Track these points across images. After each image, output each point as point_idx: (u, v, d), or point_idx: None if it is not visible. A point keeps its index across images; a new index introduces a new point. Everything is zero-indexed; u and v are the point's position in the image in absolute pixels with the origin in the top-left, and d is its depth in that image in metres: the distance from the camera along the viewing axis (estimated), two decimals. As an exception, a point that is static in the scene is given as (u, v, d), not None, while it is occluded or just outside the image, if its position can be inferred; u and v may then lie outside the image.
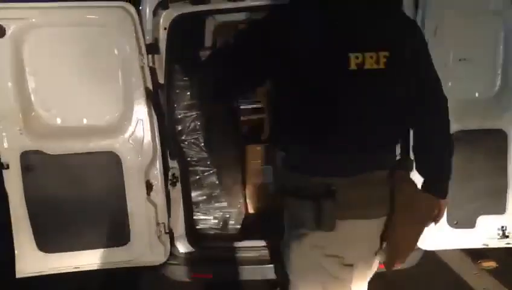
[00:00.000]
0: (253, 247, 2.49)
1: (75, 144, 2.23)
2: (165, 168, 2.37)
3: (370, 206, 1.40)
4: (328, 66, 1.32)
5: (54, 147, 2.20)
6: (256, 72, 1.38)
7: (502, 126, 2.30)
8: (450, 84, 2.08)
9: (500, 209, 2.39)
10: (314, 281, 1.49)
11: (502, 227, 2.41)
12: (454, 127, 1.88)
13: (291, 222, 1.49)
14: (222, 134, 2.78)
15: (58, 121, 2.22)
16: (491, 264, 3.07)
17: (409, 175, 1.58)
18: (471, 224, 2.41)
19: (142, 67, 2.22)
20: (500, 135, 2.31)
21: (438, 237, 2.39)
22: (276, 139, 1.58)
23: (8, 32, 2.08)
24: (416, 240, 1.52)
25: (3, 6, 2.07)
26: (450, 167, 1.52)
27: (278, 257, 2.37)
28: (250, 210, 3.00)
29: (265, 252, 2.48)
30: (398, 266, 1.52)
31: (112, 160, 2.24)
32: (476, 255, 3.09)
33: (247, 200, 3.00)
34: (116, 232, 2.32)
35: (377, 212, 1.43)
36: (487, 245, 2.47)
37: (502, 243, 2.45)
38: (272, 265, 2.40)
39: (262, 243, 2.52)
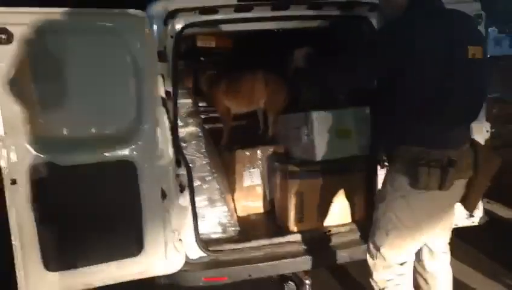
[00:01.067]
0: (261, 246, 2.60)
1: (88, 153, 2.16)
2: (175, 175, 2.39)
3: (467, 169, 1.91)
4: (451, 56, 1.77)
5: (65, 158, 2.11)
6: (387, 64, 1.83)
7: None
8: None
9: (467, 193, 2.81)
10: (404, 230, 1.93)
11: (468, 208, 2.83)
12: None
13: (400, 183, 1.89)
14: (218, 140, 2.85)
15: (70, 131, 2.13)
16: None
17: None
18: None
19: (155, 75, 2.24)
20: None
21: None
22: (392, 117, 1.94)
23: (16, 38, 1.96)
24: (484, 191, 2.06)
25: (12, 11, 1.96)
26: None
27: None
28: (240, 213, 3.09)
29: (271, 250, 2.60)
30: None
31: (128, 169, 2.21)
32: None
33: (236, 204, 3.10)
34: (130, 243, 2.28)
35: (469, 173, 1.93)
36: (457, 225, 2.87)
37: (468, 222, 2.87)
38: (282, 260, 2.53)
39: (267, 241, 2.64)
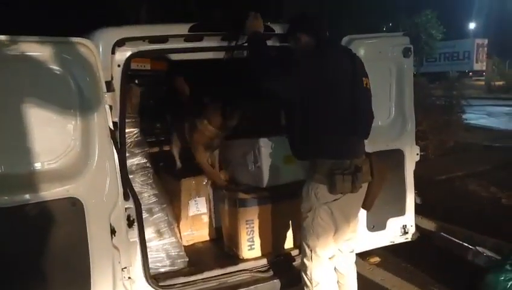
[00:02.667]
0: (214, 276, 2.56)
1: (28, 192, 1.97)
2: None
3: (367, 175, 2.32)
4: (353, 84, 2.26)
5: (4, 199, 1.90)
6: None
7: (401, 146, 2.95)
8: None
9: (402, 212, 3.04)
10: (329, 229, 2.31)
11: (403, 226, 3.06)
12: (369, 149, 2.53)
13: (322, 193, 2.25)
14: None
15: (7, 167, 1.93)
16: (376, 259, 3.73)
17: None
18: (383, 226, 2.99)
19: (102, 105, 2.13)
20: (400, 152, 2.96)
21: (362, 240, 2.90)
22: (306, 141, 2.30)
23: None
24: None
25: None
26: None
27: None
28: (185, 242, 3.02)
29: (225, 280, 2.57)
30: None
31: (73, 206, 2.05)
32: (361, 254, 3.70)
33: (182, 233, 3.02)
34: (76, 286, 2.11)
35: (368, 177, 2.34)
36: (393, 242, 3.08)
37: (403, 239, 3.09)
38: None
39: (220, 271, 2.60)
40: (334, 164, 2.21)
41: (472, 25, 30.99)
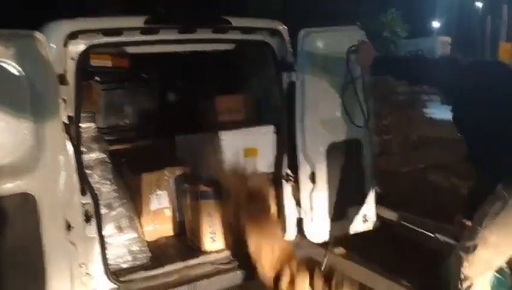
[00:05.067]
0: (176, 270, 2.56)
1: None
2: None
3: None
4: None
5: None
6: None
7: (359, 137, 3.01)
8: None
9: (362, 202, 3.11)
10: None
11: (364, 215, 3.14)
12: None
13: None
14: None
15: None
16: (340, 250, 3.75)
17: None
18: (344, 216, 3.05)
19: (55, 99, 2.09)
20: (358, 143, 3.02)
21: (323, 230, 2.96)
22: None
23: None
24: None
25: None
26: None
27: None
28: (148, 238, 2.99)
29: (186, 273, 2.57)
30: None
31: (26, 201, 2.00)
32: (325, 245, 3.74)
33: (144, 228, 3.00)
34: (31, 284, 2.06)
35: None
36: (355, 231, 3.15)
37: (364, 228, 3.17)
38: (199, 282, 2.50)
39: (181, 264, 2.60)
40: None
41: (435, 24, 31.89)
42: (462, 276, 2.05)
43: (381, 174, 4.87)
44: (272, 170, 2.94)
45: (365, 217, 3.13)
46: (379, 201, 3.26)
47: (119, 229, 2.62)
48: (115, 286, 2.37)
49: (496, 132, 2.04)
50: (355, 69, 2.73)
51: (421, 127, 7.94)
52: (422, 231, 3.72)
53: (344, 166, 3.00)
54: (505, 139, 2.02)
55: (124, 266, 2.58)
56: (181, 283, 2.49)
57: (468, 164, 2.33)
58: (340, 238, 3.25)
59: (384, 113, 7.92)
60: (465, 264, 2.04)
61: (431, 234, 3.62)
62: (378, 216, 3.26)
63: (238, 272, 2.62)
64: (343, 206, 3.03)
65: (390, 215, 4.08)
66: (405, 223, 3.93)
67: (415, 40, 25.65)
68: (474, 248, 2.01)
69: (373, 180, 3.16)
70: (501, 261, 2.13)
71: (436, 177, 5.57)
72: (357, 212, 3.10)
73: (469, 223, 2.24)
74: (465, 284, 2.05)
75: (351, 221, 3.09)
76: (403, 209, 4.19)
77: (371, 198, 3.15)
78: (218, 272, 2.57)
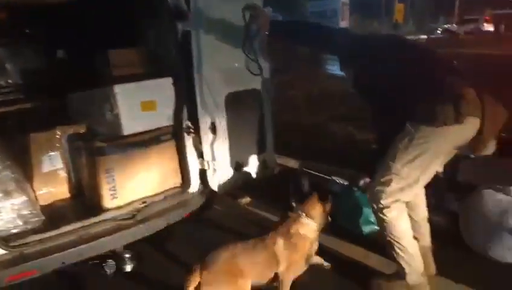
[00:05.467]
0: (73, 230, 2.45)
1: None
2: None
3: None
4: None
5: None
6: None
7: (257, 87, 3.07)
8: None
9: (263, 150, 3.23)
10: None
11: (264, 161, 3.26)
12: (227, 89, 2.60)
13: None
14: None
15: None
16: (247, 199, 3.94)
17: None
18: (247, 164, 3.15)
19: None
20: (257, 93, 3.09)
21: (227, 179, 3.03)
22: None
23: None
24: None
25: None
26: None
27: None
28: (42, 202, 2.82)
29: (85, 232, 2.48)
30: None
31: None
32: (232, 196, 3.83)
33: (37, 192, 2.81)
34: None
35: None
36: (257, 177, 3.26)
37: (265, 174, 3.30)
38: (98, 240, 2.44)
39: (79, 224, 2.50)
40: None
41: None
42: (381, 205, 2.26)
43: (286, 126, 5.13)
44: (172, 122, 2.90)
45: (265, 163, 3.26)
46: (282, 151, 3.39)
47: (6, 193, 2.42)
48: (5, 252, 2.21)
49: (390, 87, 2.22)
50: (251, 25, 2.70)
51: (323, 81, 8.39)
52: (321, 175, 3.99)
53: (244, 116, 3.06)
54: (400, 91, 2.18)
55: (14, 231, 2.41)
56: (79, 242, 2.39)
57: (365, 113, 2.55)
58: (243, 187, 3.37)
59: (288, 69, 8.19)
60: (383, 196, 2.24)
61: (329, 177, 3.90)
62: (282, 165, 3.41)
63: (141, 226, 2.59)
64: (244, 155, 3.11)
65: (293, 163, 4.31)
66: (305, 169, 4.17)
67: (319, 2, 26.54)
68: (390, 181, 2.22)
69: (271, 128, 3.27)
70: (413, 190, 2.31)
71: (335, 127, 5.95)
72: (258, 160, 3.21)
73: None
74: (385, 211, 2.26)
75: (252, 169, 3.20)
76: (303, 158, 4.46)
77: (270, 145, 3.28)
78: (120, 228, 2.52)
